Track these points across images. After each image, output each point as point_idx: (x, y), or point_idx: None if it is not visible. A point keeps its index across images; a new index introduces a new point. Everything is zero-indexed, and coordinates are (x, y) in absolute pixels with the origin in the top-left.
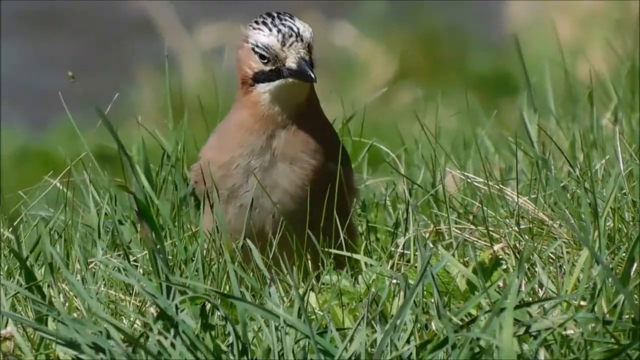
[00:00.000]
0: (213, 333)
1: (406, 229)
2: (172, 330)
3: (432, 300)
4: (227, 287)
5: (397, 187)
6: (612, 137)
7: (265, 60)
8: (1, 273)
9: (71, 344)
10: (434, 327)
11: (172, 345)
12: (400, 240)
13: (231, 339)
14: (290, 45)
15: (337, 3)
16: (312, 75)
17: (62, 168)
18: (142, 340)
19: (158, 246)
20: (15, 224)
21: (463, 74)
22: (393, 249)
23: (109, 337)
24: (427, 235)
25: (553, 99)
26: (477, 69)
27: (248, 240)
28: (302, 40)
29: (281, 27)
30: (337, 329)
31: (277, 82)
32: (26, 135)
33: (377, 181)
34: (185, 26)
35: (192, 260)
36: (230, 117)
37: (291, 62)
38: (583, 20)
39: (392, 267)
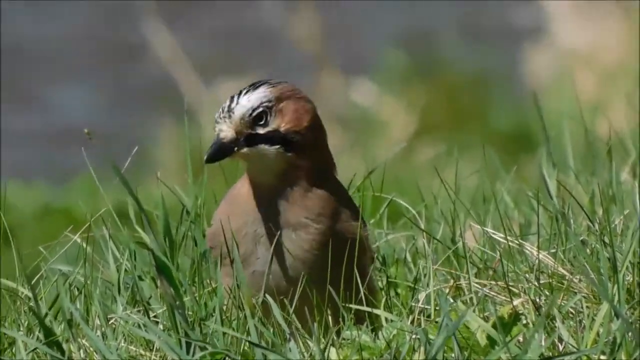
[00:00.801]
0: None
1: (427, 284)
2: None
3: (453, 355)
4: (247, 343)
5: (417, 242)
6: (630, 191)
7: None
8: (21, 329)
9: None
10: None
11: None
12: (421, 296)
13: None
14: (219, 118)
15: (356, 60)
16: (206, 156)
17: (82, 224)
18: None
19: (177, 302)
20: (34, 281)
21: (484, 129)
22: (413, 304)
23: None
24: (447, 290)
25: (572, 155)
26: (498, 124)
27: (267, 296)
28: (230, 116)
29: (226, 101)
30: None
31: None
32: (49, 190)
33: (397, 236)
34: (204, 82)
35: (212, 316)
36: (238, 182)
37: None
38: (606, 74)
39: (412, 322)
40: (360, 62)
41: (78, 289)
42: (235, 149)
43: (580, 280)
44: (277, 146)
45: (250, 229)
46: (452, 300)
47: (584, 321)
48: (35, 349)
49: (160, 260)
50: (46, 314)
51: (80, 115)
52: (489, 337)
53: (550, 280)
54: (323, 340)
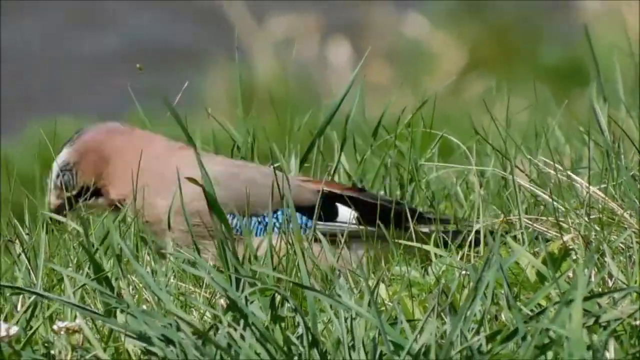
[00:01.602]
0: (283, 325)
1: (477, 220)
2: (241, 322)
3: (502, 292)
4: (297, 279)
5: (468, 178)
6: None
7: None
8: (70, 265)
9: (140, 337)
10: (503, 318)
11: (242, 337)
12: (470, 231)
13: (301, 330)
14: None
15: None
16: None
17: None
18: (211, 332)
19: (227, 238)
20: (84, 216)
21: (534, 65)
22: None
23: (178, 329)
24: (497, 225)
25: (623, 89)
26: (548, 60)
27: (318, 232)
28: (51, 187)
29: None
30: (407, 320)
31: None
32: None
33: (448, 172)
34: (256, 18)
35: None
36: None
37: None
38: None
39: (461, 258)
40: None
41: (128, 226)
42: (64, 212)
43: (630, 216)
44: (93, 197)
45: None
46: (502, 236)
47: (633, 257)
48: (84, 285)
49: (210, 197)
50: (96, 250)
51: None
52: (538, 273)
53: (601, 216)
54: (372, 276)
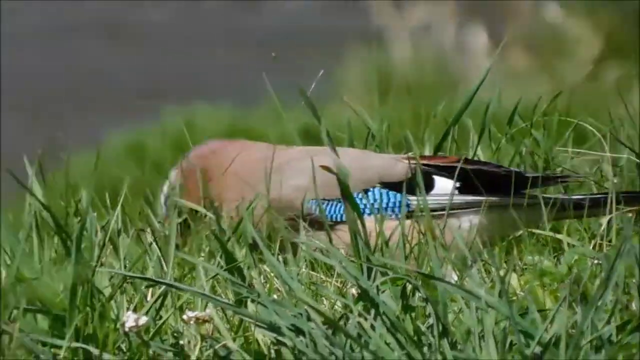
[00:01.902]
0: (413, 314)
1: (610, 209)
2: (372, 312)
3: (634, 280)
4: (429, 268)
5: (602, 166)
6: None
7: None
8: (202, 255)
9: (270, 327)
10: (634, 308)
11: (372, 326)
12: (603, 220)
13: (431, 320)
14: None
15: None
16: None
17: None
18: (342, 322)
19: (359, 226)
20: (216, 205)
21: None
22: (596, 229)
23: (309, 319)
24: (631, 214)
25: None
26: None
27: (448, 221)
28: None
29: None
30: (538, 310)
31: None
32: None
33: (582, 159)
34: (394, 3)
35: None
36: None
37: None
38: None
39: (594, 248)
40: None
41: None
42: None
43: None
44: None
45: None
46: (635, 225)
47: None
48: (215, 275)
49: (344, 184)
50: (228, 239)
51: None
52: None
53: None
54: (504, 265)
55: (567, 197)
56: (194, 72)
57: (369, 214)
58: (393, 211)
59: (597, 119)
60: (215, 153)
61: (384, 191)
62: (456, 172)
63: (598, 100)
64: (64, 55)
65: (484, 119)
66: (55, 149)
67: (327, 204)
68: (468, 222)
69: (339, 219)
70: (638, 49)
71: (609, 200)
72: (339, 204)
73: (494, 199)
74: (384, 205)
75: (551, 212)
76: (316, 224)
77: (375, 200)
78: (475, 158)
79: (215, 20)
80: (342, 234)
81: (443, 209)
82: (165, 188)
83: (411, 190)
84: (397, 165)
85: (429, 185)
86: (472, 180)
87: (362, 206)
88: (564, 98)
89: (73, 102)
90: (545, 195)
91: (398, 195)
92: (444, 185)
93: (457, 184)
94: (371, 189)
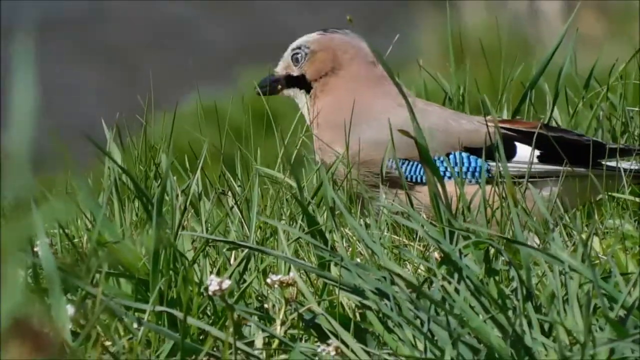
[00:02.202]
0: (497, 278)
1: None
2: (455, 276)
3: None
4: (511, 232)
5: None
6: None
7: None
8: (283, 218)
9: (354, 290)
10: None
11: (456, 290)
12: None
13: (515, 284)
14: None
15: None
16: (259, 90)
17: None
18: (425, 286)
19: (441, 190)
20: (296, 168)
21: None
22: None
23: (392, 283)
24: None
25: None
26: None
27: (529, 184)
28: (284, 55)
29: None
30: (621, 274)
31: None
32: None
33: None
34: None
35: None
36: None
37: None
38: None
39: None
40: None
41: (340, 179)
42: (279, 87)
43: None
44: (302, 90)
45: None
46: None
47: None
48: (297, 238)
49: (423, 148)
50: (309, 203)
51: None
52: None
53: None
54: (586, 229)
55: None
56: (277, 36)
57: (449, 178)
58: (473, 176)
59: None
60: (357, 53)
61: (465, 155)
62: (534, 139)
63: None
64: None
65: (557, 84)
66: (135, 112)
67: (409, 164)
68: (548, 189)
69: (419, 180)
70: None
71: None
72: (419, 166)
73: (573, 169)
74: (464, 170)
75: (629, 179)
76: (397, 184)
77: (456, 164)
78: (552, 123)
79: None
80: (423, 196)
81: (523, 177)
82: (299, 41)
83: (493, 156)
84: (480, 131)
85: (511, 152)
86: (553, 147)
87: (442, 169)
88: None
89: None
90: (624, 166)
91: (479, 160)
92: (525, 153)
93: (538, 152)
94: (453, 153)
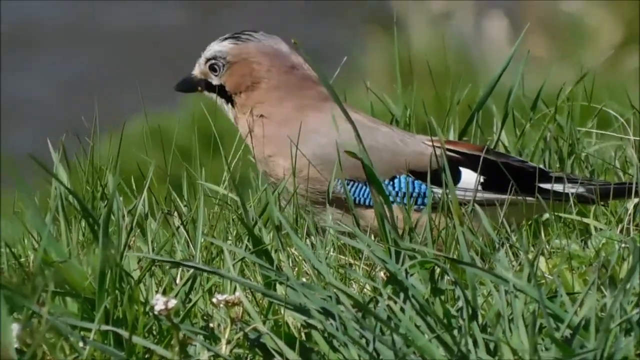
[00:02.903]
0: (442, 297)
1: (636, 192)
2: (401, 295)
3: None
4: (457, 252)
5: (626, 151)
6: None
7: None
8: (229, 238)
9: (300, 309)
10: None
11: (402, 309)
12: (630, 204)
13: (460, 303)
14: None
15: None
16: (175, 85)
17: None
18: (371, 305)
19: (387, 211)
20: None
21: None
22: (623, 212)
23: (338, 302)
24: None
25: None
26: None
27: (476, 206)
28: (201, 57)
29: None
30: (567, 294)
31: None
32: None
33: (606, 145)
34: None
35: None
36: None
37: None
38: None
39: (621, 231)
40: None
41: (286, 199)
42: (199, 88)
43: None
44: (223, 100)
45: None
46: None
47: None
48: (243, 258)
49: (369, 169)
50: (255, 223)
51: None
52: None
53: None
54: (532, 249)
55: (589, 194)
56: None
57: (394, 203)
58: (416, 202)
59: (619, 105)
60: (275, 61)
61: (410, 180)
62: (479, 166)
63: (620, 86)
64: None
65: (506, 105)
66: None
67: (356, 186)
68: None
69: (367, 203)
70: None
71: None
72: (365, 188)
73: (517, 198)
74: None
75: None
76: (344, 205)
77: (400, 189)
78: (500, 144)
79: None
80: (369, 217)
81: (467, 203)
82: (215, 47)
83: (438, 180)
84: (425, 154)
85: (456, 178)
86: (497, 173)
87: (387, 193)
88: (587, 84)
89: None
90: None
91: (423, 186)
92: (470, 178)
93: (482, 179)
94: (398, 177)
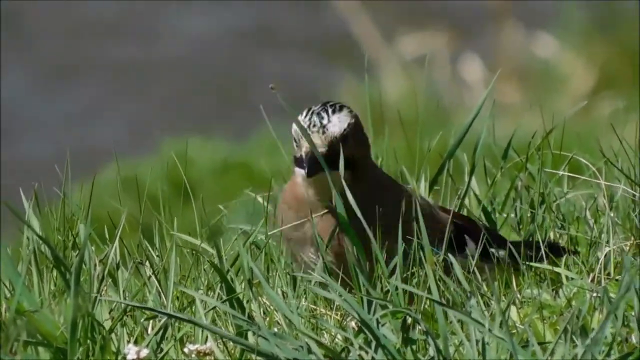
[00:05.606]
0: (414, 347)
1: (607, 242)
2: (373, 345)
3: (633, 314)
4: (428, 302)
5: (598, 200)
6: None
7: (296, 145)
8: (201, 288)
9: (272, 359)
10: (634, 340)
11: (373, 359)
12: (601, 254)
13: (432, 352)
14: (311, 131)
15: (537, 14)
16: (307, 171)
17: (261, 180)
18: (343, 355)
19: (359, 260)
20: (216, 237)
21: None
22: (594, 262)
23: (310, 351)
24: (628, 248)
25: None
26: None
27: (450, 255)
28: (323, 133)
29: (313, 116)
30: (538, 343)
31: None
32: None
33: (577, 194)
34: (385, 37)
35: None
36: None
37: (301, 152)
38: None
39: (592, 281)
40: (541, 16)
41: (258, 247)
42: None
43: None
44: (348, 170)
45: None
46: (633, 259)
47: None
48: (214, 307)
49: (342, 218)
50: (227, 271)
51: None
52: None
53: None
54: (504, 299)
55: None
56: (188, 106)
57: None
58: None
59: (591, 153)
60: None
61: None
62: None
63: (592, 134)
64: None
65: (473, 156)
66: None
67: None
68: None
69: None
70: (631, 82)
71: (606, 232)
72: None
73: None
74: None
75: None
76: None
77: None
78: (471, 193)
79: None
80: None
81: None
82: (345, 118)
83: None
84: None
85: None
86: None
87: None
88: (558, 132)
89: None
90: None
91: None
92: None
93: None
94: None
